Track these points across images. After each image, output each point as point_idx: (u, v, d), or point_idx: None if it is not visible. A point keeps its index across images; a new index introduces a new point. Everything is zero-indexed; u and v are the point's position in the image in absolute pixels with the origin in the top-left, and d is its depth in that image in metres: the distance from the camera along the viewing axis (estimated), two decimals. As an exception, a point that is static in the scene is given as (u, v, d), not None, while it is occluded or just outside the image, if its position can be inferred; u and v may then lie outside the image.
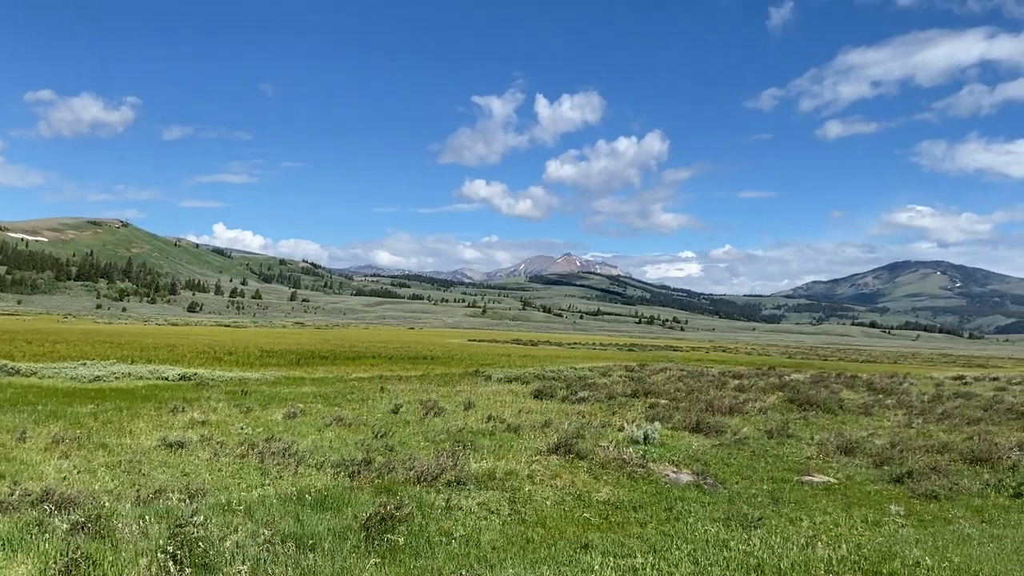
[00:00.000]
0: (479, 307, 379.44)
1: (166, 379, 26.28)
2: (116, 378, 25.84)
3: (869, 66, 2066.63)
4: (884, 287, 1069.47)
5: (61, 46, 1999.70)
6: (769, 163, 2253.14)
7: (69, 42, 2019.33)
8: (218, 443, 13.16)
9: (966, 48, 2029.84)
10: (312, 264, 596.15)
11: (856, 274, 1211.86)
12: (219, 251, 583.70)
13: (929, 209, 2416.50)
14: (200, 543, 6.91)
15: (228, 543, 7.23)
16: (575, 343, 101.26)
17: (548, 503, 10.19)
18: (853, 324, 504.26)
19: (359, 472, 10.99)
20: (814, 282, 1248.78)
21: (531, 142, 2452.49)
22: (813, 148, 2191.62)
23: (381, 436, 14.60)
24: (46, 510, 7.96)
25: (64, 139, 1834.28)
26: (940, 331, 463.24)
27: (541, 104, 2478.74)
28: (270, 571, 6.88)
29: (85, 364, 29.66)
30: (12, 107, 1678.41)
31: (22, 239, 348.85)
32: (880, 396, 27.67)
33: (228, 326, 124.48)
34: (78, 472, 10.91)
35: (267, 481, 10.63)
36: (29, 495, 8.69)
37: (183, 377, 26.64)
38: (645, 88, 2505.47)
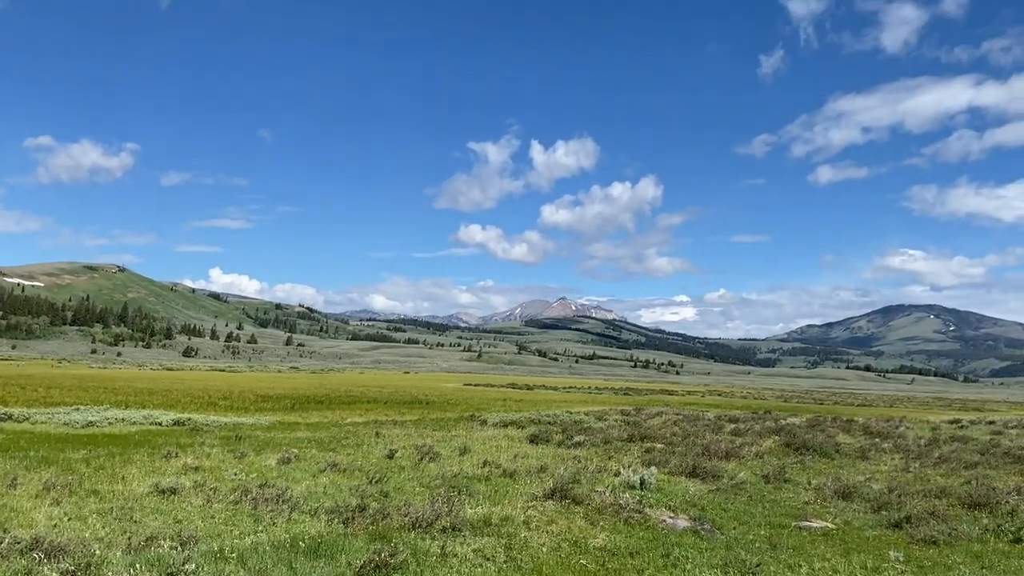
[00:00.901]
0: (475, 351, 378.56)
1: (160, 424, 26.05)
2: (109, 423, 25.61)
3: (859, 112, 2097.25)
4: (878, 331, 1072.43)
5: (62, 93, 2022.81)
6: (762, 208, 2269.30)
7: (70, 89, 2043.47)
8: (211, 489, 13.03)
9: (954, 95, 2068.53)
10: (308, 308, 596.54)
11: (850, 318, 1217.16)
12: (215, 296, 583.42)
13: (921, 253, 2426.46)
14: (192, 591, 6.85)
15: (221, 591, 7.16)
16: (570, 387, 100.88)
17: (544, 549, 10.10)
18: (848, 368, 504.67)
19: (353, 518, 10.88)
20: (808, 326, 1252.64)
21: (526, 187, 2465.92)
22: (805, 193, 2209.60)
23: (376, 482, 14.47)
24: (35, 558, 7.87)
25: (62, 185, 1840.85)
26: (935, 375, 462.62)
27: (536, 150, 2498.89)
28: (263, 620, 6.80)
29: (79, 409, 29.39)
30: (11, 153, 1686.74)
31: (18, 284, 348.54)
32: (876, 440, 27.55)
33: (223, 371, 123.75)
34: (69, 519, 10.78)
35: (260, 528, 10.52)
36: (19, 543, 8.58)
37: (177, 422, 26.40)
38: (639, 134, 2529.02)
